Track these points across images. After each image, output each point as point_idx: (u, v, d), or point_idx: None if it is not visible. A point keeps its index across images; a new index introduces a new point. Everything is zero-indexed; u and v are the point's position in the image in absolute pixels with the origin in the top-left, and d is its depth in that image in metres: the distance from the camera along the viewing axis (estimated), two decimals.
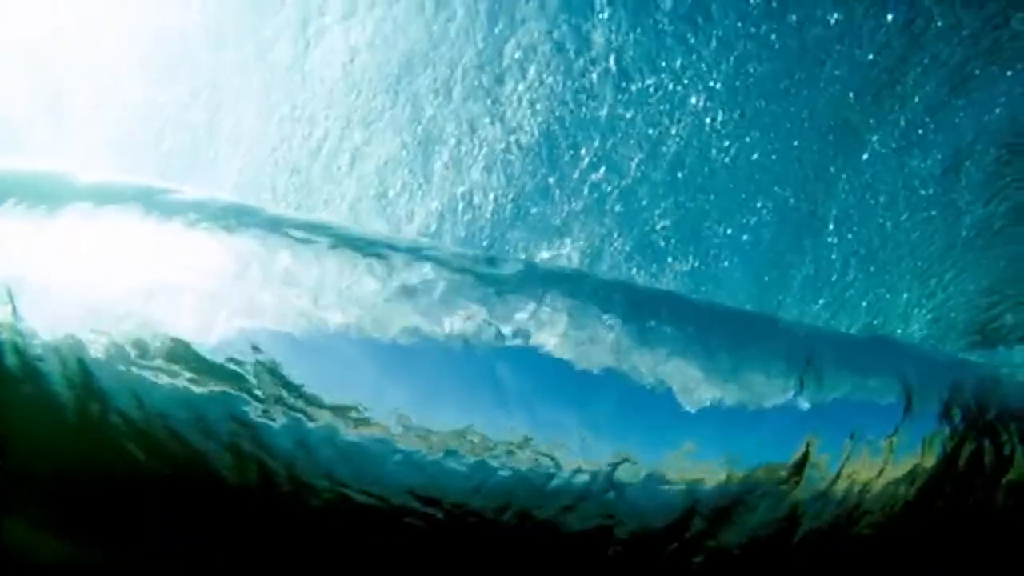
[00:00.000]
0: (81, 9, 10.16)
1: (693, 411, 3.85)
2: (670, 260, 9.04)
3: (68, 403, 3.80)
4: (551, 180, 10.51)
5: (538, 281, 4.06)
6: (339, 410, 3.75)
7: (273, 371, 3.74)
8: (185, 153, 11.15)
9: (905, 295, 7.20)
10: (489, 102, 10.63)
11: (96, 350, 3.79)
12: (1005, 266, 6.44)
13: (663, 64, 9.55)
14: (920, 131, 7.54)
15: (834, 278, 7.86)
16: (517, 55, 10.45)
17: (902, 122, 7.69)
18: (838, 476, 3.88)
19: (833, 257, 7.87)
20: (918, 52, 8.10)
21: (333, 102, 11.10)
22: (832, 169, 7.98)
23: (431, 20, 10.73)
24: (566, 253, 10.17)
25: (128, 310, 3.85)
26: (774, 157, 8.36)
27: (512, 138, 10.58)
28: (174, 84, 11.09)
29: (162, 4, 10.68)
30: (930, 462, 4.02)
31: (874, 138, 7.80)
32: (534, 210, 10.65)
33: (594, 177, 10.17)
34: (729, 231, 8.54)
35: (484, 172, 10.87)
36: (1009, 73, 7.48)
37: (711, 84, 9.21)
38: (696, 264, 8.77)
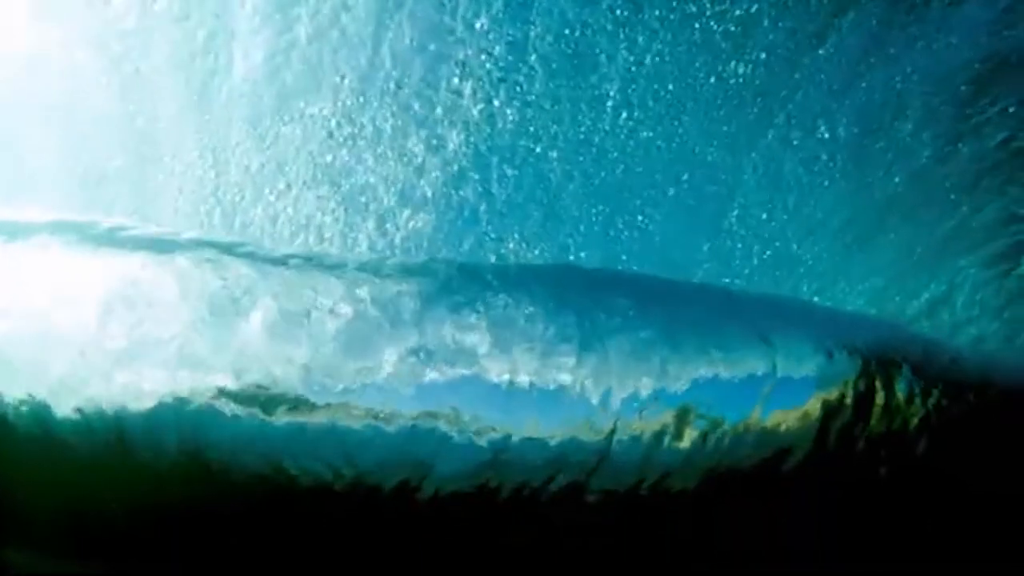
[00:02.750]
0: (18, 50, 10.31)
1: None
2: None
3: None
4: (480, 209, 9.88)
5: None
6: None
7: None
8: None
9: (805, 287, 6.21)
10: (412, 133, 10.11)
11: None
12: (904, 241, 5.43)
13: (584, 63, 8.91)
14: (829, 101, 6.62)
15: (735, 272, 6.90)
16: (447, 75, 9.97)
17: (810, 95, 6.78)
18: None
19: (737, 247, 6.92)
20: (837, 21, 7.23)
21: (263, 153, 10.77)
22: (740, 150, 7.09)
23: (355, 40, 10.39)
24: None
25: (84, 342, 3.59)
26: (684, 146, 7.51)
27: (437, 168, 10.02)
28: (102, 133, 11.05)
29: (96, 49, 10.76)
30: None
31: (780, 114, 6.89)
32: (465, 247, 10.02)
33: (519, 199, 9.50)
34: (635, 233, 7.68)
35: (415, 202, 10.33)
36: (929, 33, 6.52)
37: (633, 77, 8.49)
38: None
